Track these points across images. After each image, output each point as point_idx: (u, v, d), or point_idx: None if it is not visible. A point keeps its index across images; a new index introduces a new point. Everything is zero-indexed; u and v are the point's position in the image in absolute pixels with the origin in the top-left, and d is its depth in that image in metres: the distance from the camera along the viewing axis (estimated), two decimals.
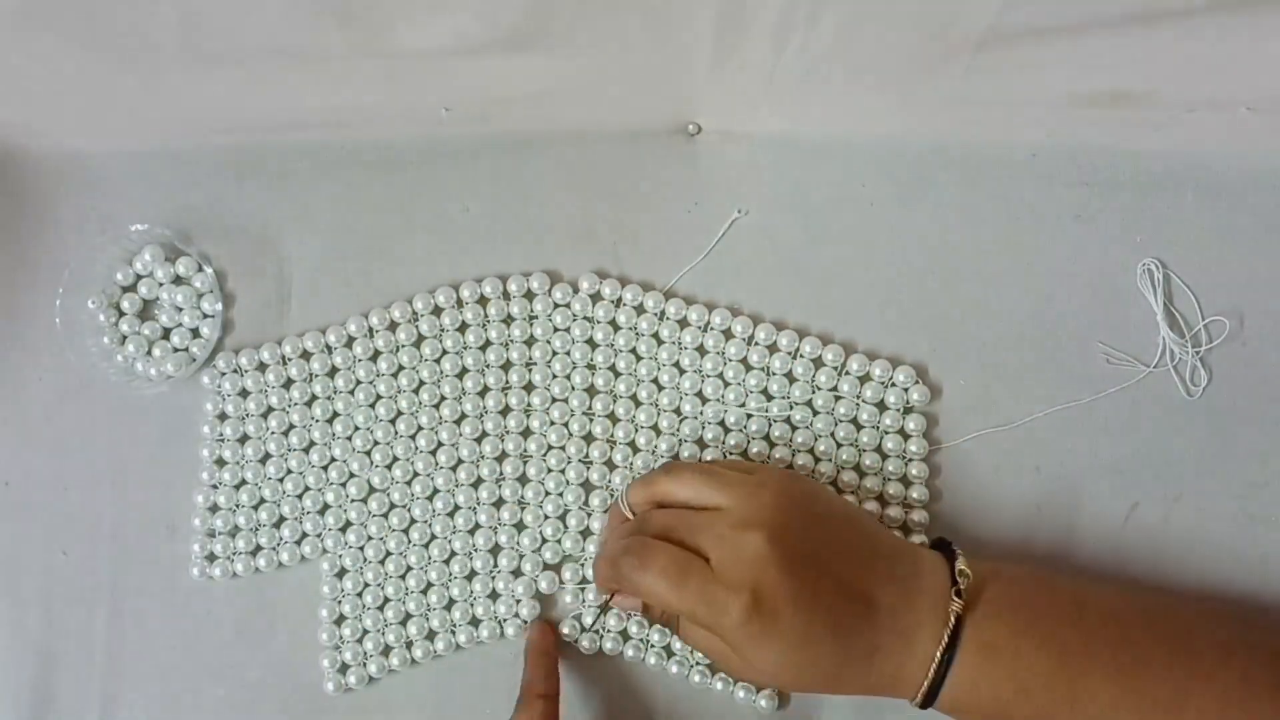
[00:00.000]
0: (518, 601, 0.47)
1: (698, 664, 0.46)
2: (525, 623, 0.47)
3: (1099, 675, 0.37)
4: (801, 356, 0.48)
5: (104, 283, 0.50)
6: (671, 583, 0.38)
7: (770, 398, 0.48)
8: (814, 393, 0.48)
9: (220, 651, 0.48)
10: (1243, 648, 0.39)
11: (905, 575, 0.40)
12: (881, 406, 0.48)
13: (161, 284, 0.50)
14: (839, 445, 0.47)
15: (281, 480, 0.49)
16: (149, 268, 0.50)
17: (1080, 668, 0.37)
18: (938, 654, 0.38)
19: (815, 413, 0.48)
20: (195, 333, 0.50)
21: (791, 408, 0.48)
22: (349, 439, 0.49)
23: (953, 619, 0.38)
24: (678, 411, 0.48)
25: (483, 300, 0.49)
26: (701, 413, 0.48)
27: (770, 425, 0.48)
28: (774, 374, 0.48)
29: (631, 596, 0.42)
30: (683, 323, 0.49)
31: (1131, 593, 0.43)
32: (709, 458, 0.48)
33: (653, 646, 0.46)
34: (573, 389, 0.48)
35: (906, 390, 0.47)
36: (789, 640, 0.38)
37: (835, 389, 0.48)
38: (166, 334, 0.50)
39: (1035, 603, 0.40)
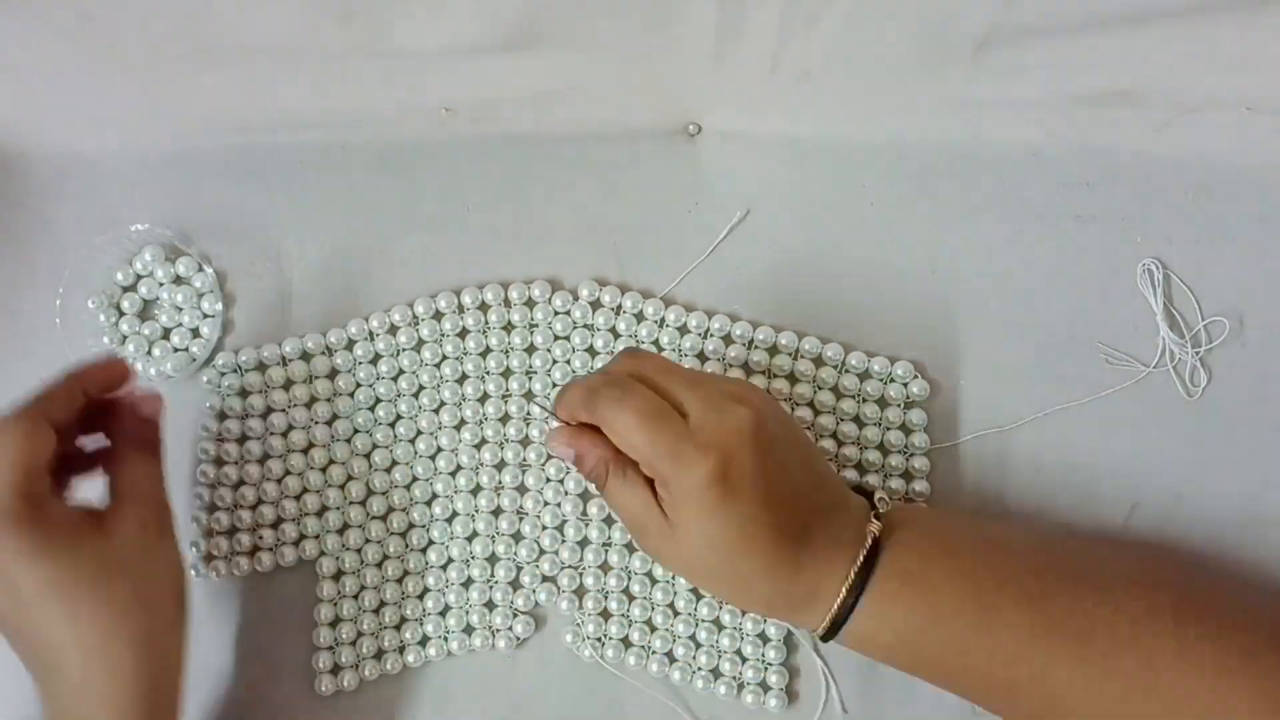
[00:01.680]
0: (514, 615, 0.47)
1: (699, 669, 0.46)
2: (520, 640, 0.47)
3: (1010, 604, 0.38)
4: (803, 356, 0.48)
5: (104, 283, 0.50)
6: (647, 424, 0.37)
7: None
8: (815, 392, 0.48)
9: (218, 651, 0.48)
10: (1149, 581, 0.39)
11: (836, 506, 0.40)
12: (883, 402, 0.48)
13: (162, 284, 0.50)
14: (841, 444, 0.47)
15: (280, 480, 0.49)
16: (149, 268, 0.50)
17: (992, 598, 0.38)
18: (852, 573, 0.38)
19: (817, 412, 0.48)
20: (195, 333, 0.50)
21: (793, 408, 0.48)
22: (348, 441, 0.49)
23: (869, 539, 0.38)
24: None
25: (484, 306, 0.49)
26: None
27: None
28: (775, 375, 0.48)
29: (578, 440, 0.40)
30: (683, 329, 0.49)
31: (1038, 530, 0.44)
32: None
33: (654, 653, 0.46)
34: None
35: (906, 385, 0.47)
36: (733, 524, 0.37)
37: (836, 387, 0.48)
38: (166, 334, 0.50)
39: (950, 536, 0.40)
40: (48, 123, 0.51)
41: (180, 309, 0.50)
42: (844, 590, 0.38)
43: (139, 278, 0.50)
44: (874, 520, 0.39)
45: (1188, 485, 0.47)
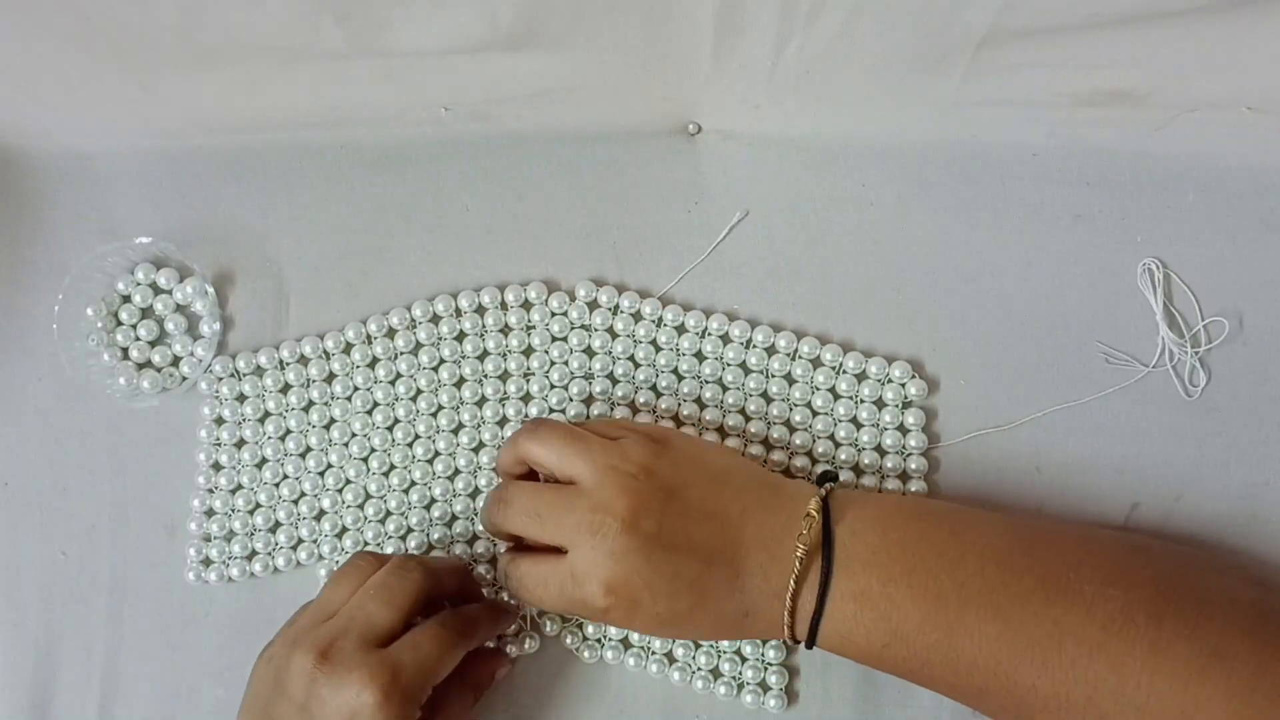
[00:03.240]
0: (521, 622, 0.47)
1: (699, 670, 0.46)
2: (525, 651, 0.47)
3: (975, 616, 0.37)
4: (800, 358, 0.48)
5: (104, 291, 0.50)
6: (538, 589, 0.40)
7: (770, 400, 0.48)
8: (812, 393, 0.48)
9: (218, 652, 0.48)
10: (1124, 580, 0.38)
11: (780, 523, 0.40)
12: (880, 404, 0.48)
13: (159, 294, 0.50)
14: (838, 445, 0.47)
15: (278, 485, 0.49)
16: (150, 277, 0.50)
17: (956, 613, 0.37)
18: (791, 581, 0.38)
19: (815, 414, 0.48)
20: (192, 345, 0.50)
21: (791, 410, 0.48)
22: (346, 445, 0.49)
23: (808, 527, 0.38)
24: (676, 418, 0.48)
25: (480, 310, 0.49)
26: (701, 418, 0.48)
27: (769, 428, 0.48)
28: (773, 376, 0.48)
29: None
30: (680, 329, 0.49)
31: (1014, 524, 0.42)
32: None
33: (654, 654, 0.46)
34: (570, 399, 0.48)
35: (904, 385, 0.47)
36: (655, 619, 0.39)
37: (834, 389, 0.48)
38: (164, 344, 0.50)
39: (910, 545, 0.39)
40: (48, 123, 0.51)
41: (179, 321, 0.50)
42: (788, 597, 0.38)
43: (139, 287, 0.50)
44: (815, 500, 0.39)
45: (1187, 485, 0.47)
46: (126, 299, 0.50)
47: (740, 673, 0.46)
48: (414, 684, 0.39)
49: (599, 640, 0.47)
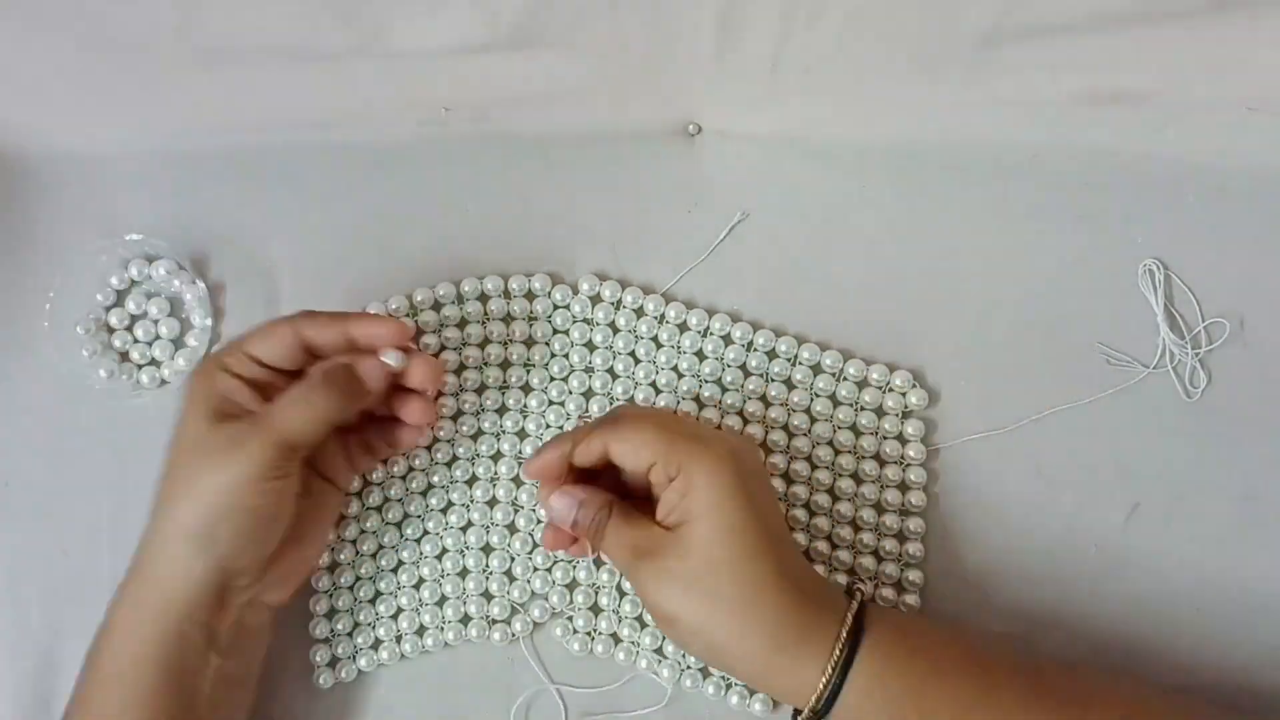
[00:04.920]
0: (511, 609, 0.47)
1: (689, 668, 0.46)
2: (515, 636, 0.47)
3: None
4: (800, 363, 0.48)
5: (97, 287, 0.50)
6: (660, 420, 0.40)
7: (769, 403, 0.48)
8: (813, 399, 0.48)
9: None
10: (1118, 698, 0.39)
11: (816, 579, 0.40)
12: (880, 412, 0.48)
13: (151, 296, 0.50)
14: (837, 452, 0.47)
15: None
16: (143, 274, 0.50)
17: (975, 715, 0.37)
18: (837, 650, 0.37)
19: (814, 419, 0.48)
20: (184, 343, 0.50)
21: (790, 415, 0.48)
22: None
23: (850, 616, 0.38)
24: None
25: (483, 297, 0.49)
26: (699, 417, 0.48)
27: (767, 431, 0.48)
28: (773, 379, 0.48)
29: (575, 489, 0.42)
30: (682, 327, 0.49)
31: (1024, 655, 0.43)
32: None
33: (643, 649, 0.46)
34: (570, 393, 0.48)
35: (904, 394, 0.47)
36: (750, 511, 0.38)
37: (833, 395, 0.48)
38: (156, 344, 0.50)
39: (932, 651, 0.39)
40: (48, 123, 0.51)
41: (171, 320, 0.50)
42: (829, 667, 0.37)
43: (133, 284, 0.50)
44: (853, 601, 0.39)
45: (1188, 486, 0.46)
46: (119, 295, 0.50)
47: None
48: (225, 353, 0.41)
49: (589, 633, 0.47)
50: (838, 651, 0.37)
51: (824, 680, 0.37)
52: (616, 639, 0.47)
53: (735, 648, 0.38)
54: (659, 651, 0.46)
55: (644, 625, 0.47)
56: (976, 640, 0.39)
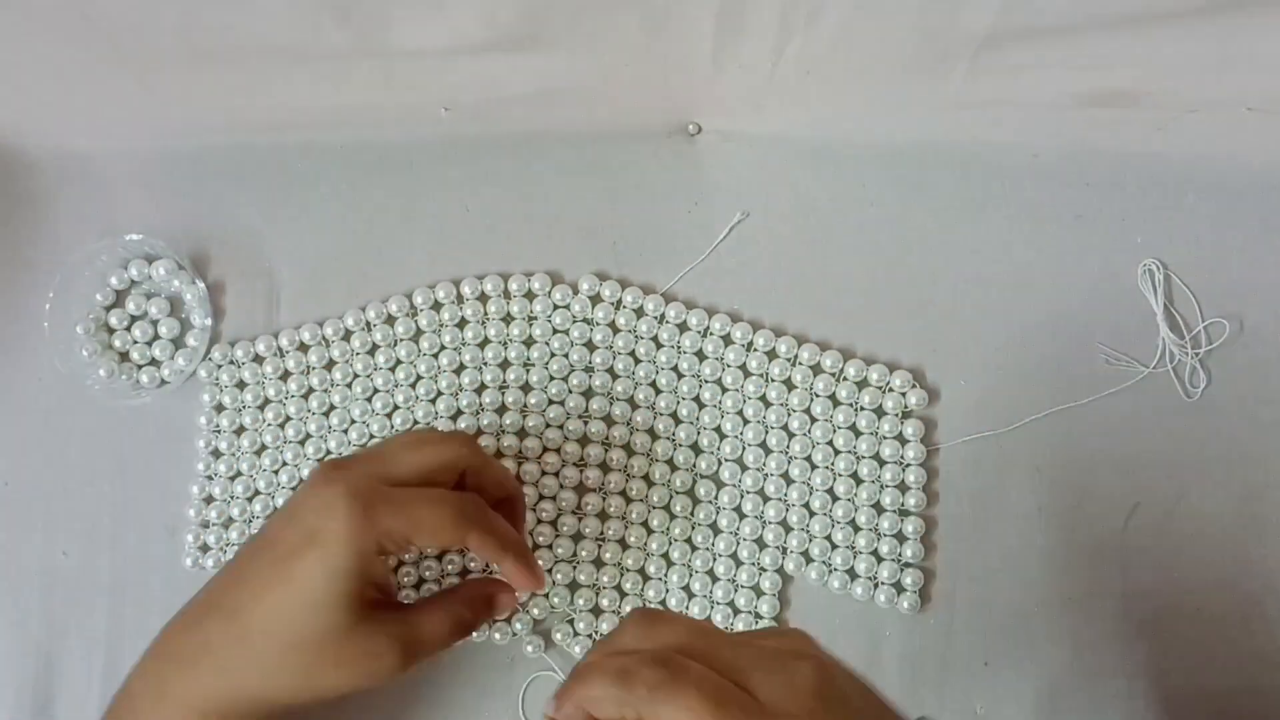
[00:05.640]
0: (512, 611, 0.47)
1: None
2: (515, 635, 0.47)
3: None
4: (800, 364, 0.48)
5: (96, 287, 0.50)
6: (715, 708, 0.28)
7: (768, 404, 0.48)
8: (812, 399, 0.48)
9: None
10: None
11: None
12: (879, 412, 0.48)
13: (150, 293, 0.50)
14: (837, 453, 0.47)
15: (276, 472, 0.49)
16: (141, 273, 0.50)
17: None
18: None
19: (813, 420, 0.48)
20: (184, 343, 0.50)
21: (789, 414, 0.48)
22: (344, 432, 0.49)
23: None
24: (674, 416, 0.48)
25: (483, 298, 0.49)
26: (699, 417, 0.48)
27: (767, 432, 0.48)
28: (772, 380, 0.48)
29: None
30: (682, 327, 0.49)
31: None
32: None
33: None
34: (569, 391, 0.48)
35: (904, 395, 0.47)
36: None
37: (833, 396, 0.48)
38: (156, 344, 0.50)
39: None
40: (47, 123, 0.51)
41: (170, 320, 0.50)
42: None
43: (133, 283, 0.50)
44: None
45: (1188, 486, 0.46)
46: (118, 295, 0.50)
47: None
48: (390, 522, 0.36)
49: (591, 636, 0.47)
50: None
51: None
52: None
53: None
54: None
55: None
56: None
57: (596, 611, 0.47)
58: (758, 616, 0.47)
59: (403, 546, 0.37)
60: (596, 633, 0.47)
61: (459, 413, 0.48)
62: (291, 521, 0.37)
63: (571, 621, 0.47)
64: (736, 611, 0.47)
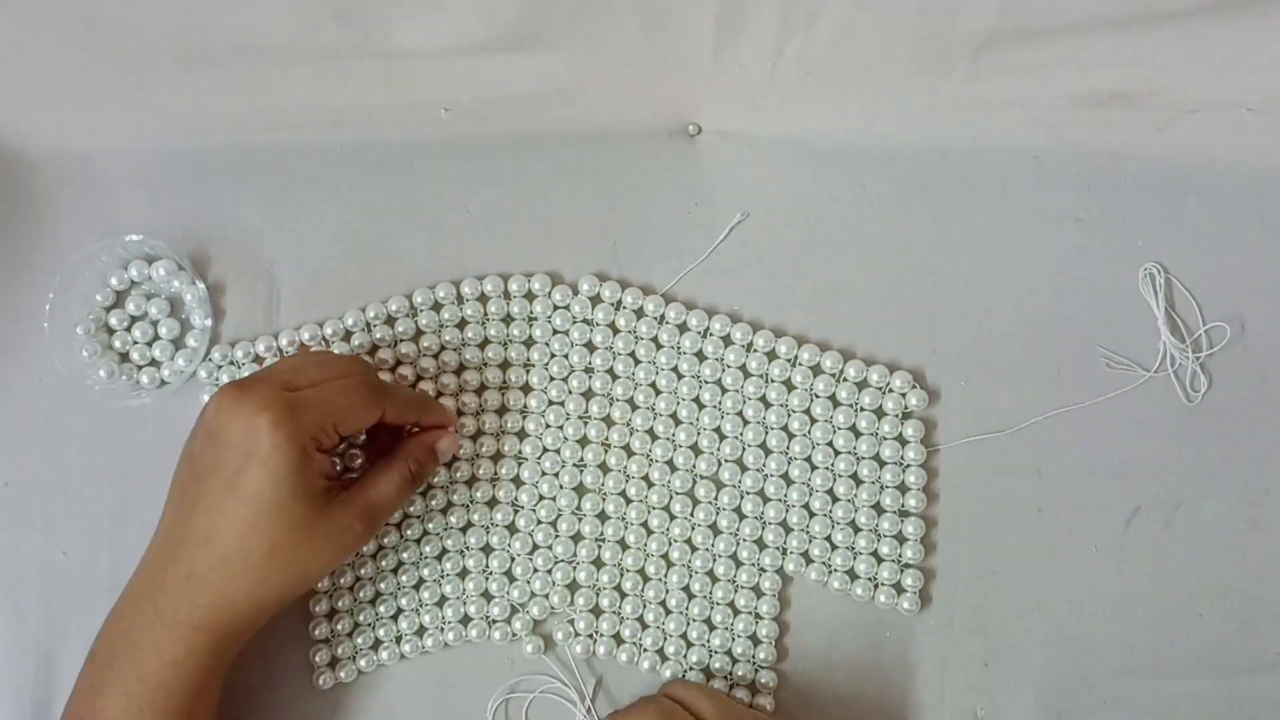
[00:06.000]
0: (511, 609, 0.47)
1: (692, 667, 0.46)
2: (515, 635, 0.47)
3: None
4: (800, 364, 0.48)
5: (97, 287, 0.50)
6: None
7: (768, 405, 0.48)
8: (812, 400, 0.48)
9: None
10: None
11: None
12: (879, 413, 0.48)
13: (150, 293, 0.50)
14: (836, 454, 0.47)
15: None
16: (141, 274, 0.50)
17: None
18: None
19: (813, 420, 0.48)
20: (184, 344, 0.50)
21: (789, 415, 0.48)
22: None
23: None
24: (674, 417, 0.48)
25: (483, 298, 0.49)
26: (698, 418, 0.48)
27: (767, 433, 0.48)
28: (772, 381, 0.48)
29: None
30: (682, 327, 0.49)
31: None
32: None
33: (646, 650, 0.46)
34: (569, 392, 0.48)
35: (904, 395, 0.47)
36: None
37: (833, 396, 0.48)
38: (156, 344, 0.50)
39: None
40: (48, 123, 0.51)
41: (170, 320, 0.50)
42: None
43: (132, 284, 0.50)
44: None
45: (1188, 490, 0.46)
46: (118, 296, 0.50)
47: (732, 672, 0.46)
48: (312, 420, 0.39)
49: (591, 635, 0.47)
50: None
51: None
52: (619, 639, 0.47)
53: None
54: (660, 652, 0.47)
55: (645, 626, 0.47)
56: None
57: (596, 611, 0.47)
58: (758, 617, 0.47)
59: (331, 435, 0.40)
60: (596, 633, 0.47)
61: (459, 413, 0.48)
62: (221, 445, 0.39)
63: (572, 621, 0.47)
64: (736, 612, 0.47)
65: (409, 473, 0.43)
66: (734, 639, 0.46)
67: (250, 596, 0.40)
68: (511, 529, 0.48)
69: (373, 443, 0.47)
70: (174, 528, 0.41)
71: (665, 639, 0.46)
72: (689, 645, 0.46)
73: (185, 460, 0.42)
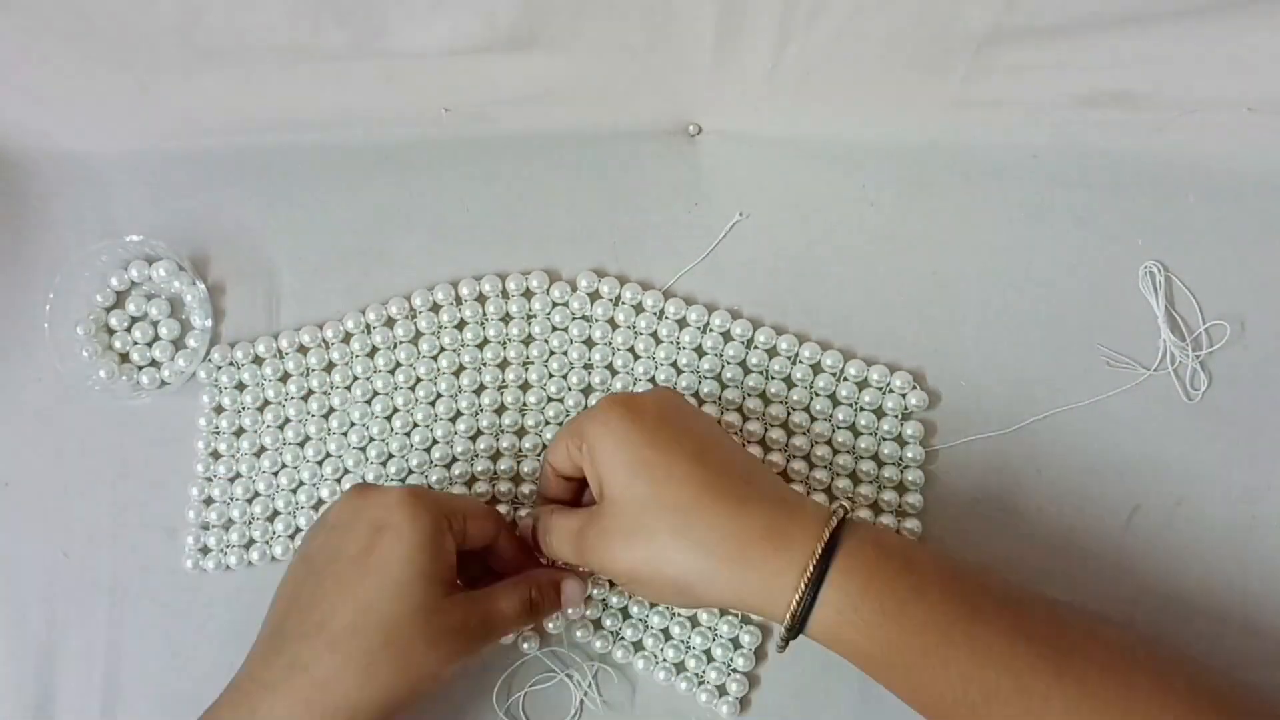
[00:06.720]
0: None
1: (663, 661, 0.46)
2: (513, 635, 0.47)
3: (993, 610, 0.36)
4: (800, 361, 0.48)
5: (97, 288, 0.50)
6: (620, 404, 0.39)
7: (768, 401, 0.48)
8: (812, 398, 0.48)
9: (220, 650, 0.48)
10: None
11: (781, 495, 0.38)
12: (879, 412, 0.48)
13: (150, 294, 0.50)
14: (836, 451, 0.47)
15: (276, 474, 0.49)
16: (142, 274, 0.50)
17: (969, 604, 0.36)
18: (818, 548, 0.35)
19: (813, 418, 0.48)
20: (184, 344, 0.50)
21: (790, 413, 0.48)
22: (344, 434, 0.49)
23: (835, 519, 0.36)
24: None
25: (481, 298, 0.49)
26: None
27: (766, 429, 0.48)
28: (773, 377, 0.48)
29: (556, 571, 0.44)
30: (681, 323, 0.49)
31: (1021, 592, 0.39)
32: None
33: (623, 640, 0.46)
34: (569, 389, 0.48)
35: (904, 395, 0.47)
36: (651, 447, 0.38)
37: (833, 395, 0.48)
38: (156, 345, 0.50)
39: (916, 553, 0.38)
40: (48, 123, 0.51)
41: (171, 320, 0.50)
42: (802, 583, 0.35)
43: (132, 284, 0.50)
44: (832, 517, 0.37)
45: (1188, 488, 0.46)
46: (119, 296, 0.50)
47: (703, 672, 0.46)
48: (444, 506, 0.39)
49: (577, 623, 0.46)
50: (811, 566, 0.36)
51: (796, 597, 0.36)
52: (598, 626, 0.47)
53: (691, 576, 0.37)
54: (637, 644, 0.46)
55: (626, 617, 0.46)
56: (965, 567, 0.38)
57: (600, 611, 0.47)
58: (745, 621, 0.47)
59: (460, 524, 0.40)
60: (597, 630, 0.47)
61: (458, 414, 0.48)
62: (347, 530, 0.39)
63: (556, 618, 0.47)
64: (724, 611, 0.47)
65: (529, 599, 0.42)
66: (715, 639, 0.46)
67: (354, 695, 0.37)
68: (512, 528, 0.48)
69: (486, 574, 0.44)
70: (281, 624, 0.39)
71: (645, 631, 0.46)
72: (668, 640, 0.46)
73: (300, 563, 0.40)
